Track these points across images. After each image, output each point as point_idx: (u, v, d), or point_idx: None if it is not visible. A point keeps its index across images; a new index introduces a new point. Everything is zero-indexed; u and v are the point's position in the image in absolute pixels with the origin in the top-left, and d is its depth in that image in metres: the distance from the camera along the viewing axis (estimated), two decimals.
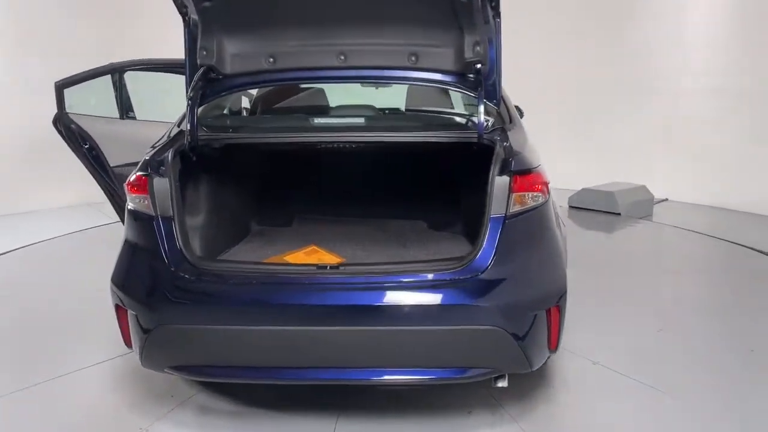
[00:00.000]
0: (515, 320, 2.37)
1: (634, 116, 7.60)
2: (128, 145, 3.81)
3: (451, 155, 3.50)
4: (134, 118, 4.29)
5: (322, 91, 3.97)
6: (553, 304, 2.45)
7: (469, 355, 2.42)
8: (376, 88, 3.92)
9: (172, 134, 2.90)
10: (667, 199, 7.34)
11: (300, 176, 3.77)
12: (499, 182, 2.46)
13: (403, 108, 3.74)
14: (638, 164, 7.48)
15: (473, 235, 3.31)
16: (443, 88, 3.13)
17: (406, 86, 3.71)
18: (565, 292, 2.50)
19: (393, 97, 3.98)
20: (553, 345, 2.52)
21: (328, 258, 3.08)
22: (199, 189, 3.13)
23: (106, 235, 5.76)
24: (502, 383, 2.53)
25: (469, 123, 3.01)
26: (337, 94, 4.11)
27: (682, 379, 3.04)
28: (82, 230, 6.26)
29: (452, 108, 3.50)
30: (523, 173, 2.48)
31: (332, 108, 3.59)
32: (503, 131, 2.77)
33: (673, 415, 2.73)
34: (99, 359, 3.29)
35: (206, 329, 2.42)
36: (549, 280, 2.49)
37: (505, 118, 2.91)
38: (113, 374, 3.16)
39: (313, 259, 3.03)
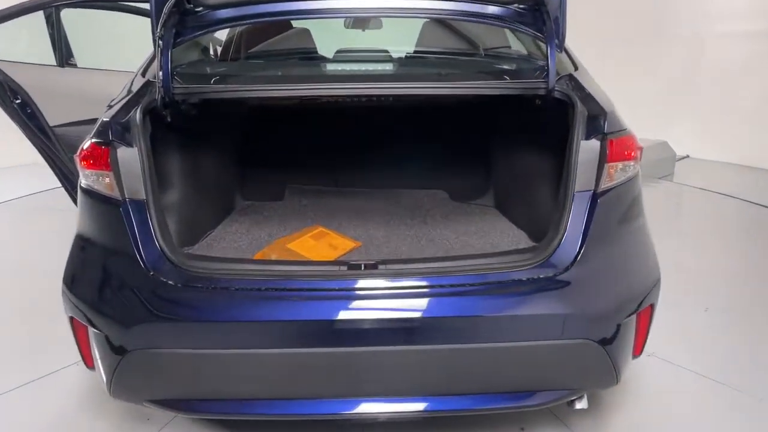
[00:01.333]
0: (607, 327, 1.84)
1: (654, 66, 6.81)
2: (72, 99, 3.10)
3: (483, 110, 2.89)
4: (75, 65, 3.47)
5: (307, 31, 3.23)
6: (649, 302, 1.93)
7: (545, 376, 1.89)
8: (363, 30, 3.23)
9: (134, 88, 2.18)
10: (688, 156, 6.73)
11: (293, 138, 3.10)
12: (588, 148, 1.88)
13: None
14: (658, 119, 6.66)
15: (510, 209, 2.76)
16: (486, 25, 2.49)
17: (414, 25, 3.05)
18: (659, 283, 1.99)
19: (390, 38, 3.30)
20: (639, 350, 2.01)
21: (342, 243, 2.47)
22: (172, 158, 2.45)
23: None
24: (581, 404, 2.01)
25: (529, 69, 2.38)
26: (320, 38, 3.39)
27: (752, 372, 2.61)
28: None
29: (479, 51, 2.86)
30: (618, 136, 1.91)
31: (337, 53, 2.89)
32: (572, 79, 2.18)
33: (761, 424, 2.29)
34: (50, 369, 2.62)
35: (201, 354, 1.79)
36: (644, 273, 1.96)
37: (568, 64, 2.31)
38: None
39: (324, 247, 2.41)
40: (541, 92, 2.08)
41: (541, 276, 1.82)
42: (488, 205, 2.91)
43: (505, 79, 2.29)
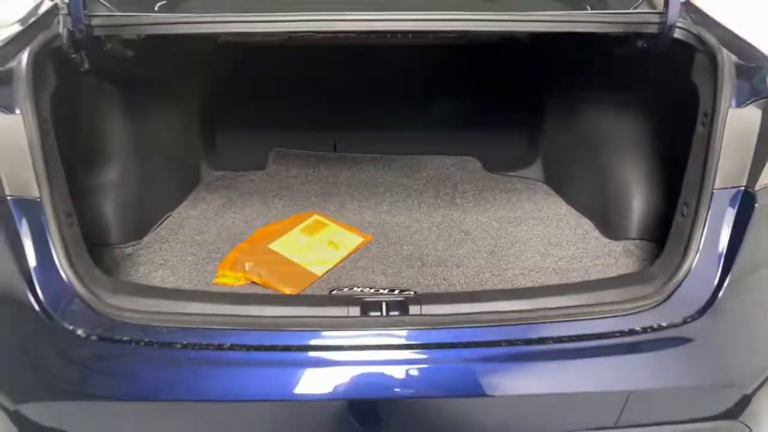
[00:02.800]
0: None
1: None
2: None
3: (534, 53, 2.17)
4: None
5: None
6: None
7: None
8: None
9: (28, 21, 1.46)
10: None
11: (277, 87, 2.36)
12: (737, 120, 1.19)
13: None
14: None
15: (567, 186, 2.08)
16: None
17: None
18: None
19: None
20: None
21: (345, 238, 1.79)
22: (104, 120, 1.74)
23: None
24: None
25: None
26: None
27: None
28: None
29: None
30: None
31: None
32: (695, 10, 1.47)
33: None
34: None
35: None
36: None
37: None
38: None
39: (321, 245, 1.74)
40: (652, 29, 1.37)
41: (661, 324, 1.16)
42: (534, 178, 2.22)
43: (587, 9, 1.56)
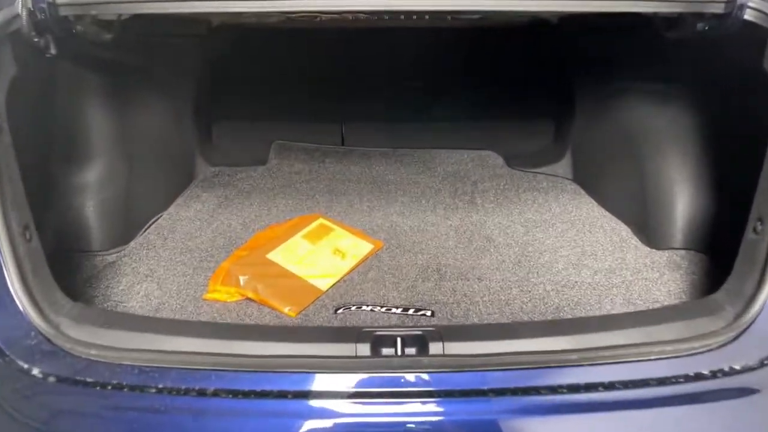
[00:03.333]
0: None
1: None
2: None
3: (563, 36, 1.96)
4: None
5: None
6: None
7: None
8: None
9: None
10: None
11: (279, 74, 2.15)
12: None
13: None
14: None
15: (601, 186, 1.87)
16: None
17: None
18: None
19: None
20: None
21: (353, 244, 1.60)
22: (84, 112, 1.55)
23: None
24: None
25: None
26: None
27: None
28: None
29: None
30: None
31: None
32: None
33: None
34: None
35: None
36: None
37: None
38: None
39: (326, 254, 1.54)
40: (718, 9, 1.15)
41: (734, 368, 0.96)
42: (561, 175, 2.02)
43: None
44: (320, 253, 1.56)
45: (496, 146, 2.13)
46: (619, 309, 1.35)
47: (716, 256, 1.49)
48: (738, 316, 0.98)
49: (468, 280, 1.47)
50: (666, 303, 1.38)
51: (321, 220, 1.69)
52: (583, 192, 1.89)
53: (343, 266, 1.52)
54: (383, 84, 2.10)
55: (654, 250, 1.57)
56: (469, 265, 1.54)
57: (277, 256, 1.52)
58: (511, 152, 2.10)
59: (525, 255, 1.57)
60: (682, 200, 1.56)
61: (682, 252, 1.54)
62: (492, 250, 1.60)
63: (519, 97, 2.06)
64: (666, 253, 1.55)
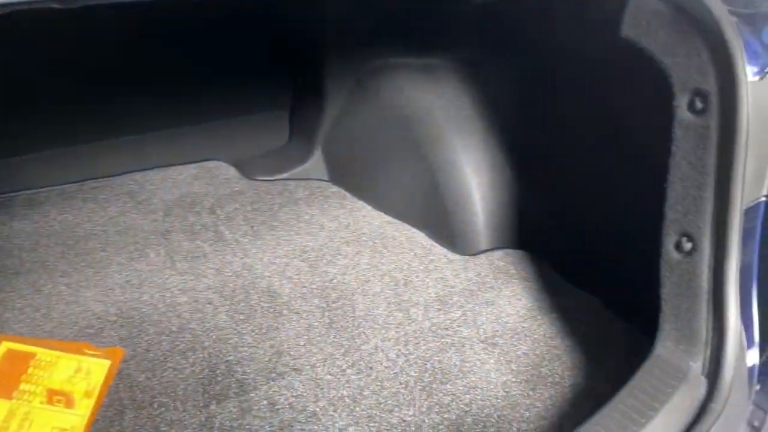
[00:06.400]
0: None
1: None
2: None
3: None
4: None
5: None
6: None
7: None
8: None
9: None
10: None
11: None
12: (764, 97, 0.80)
13: None
14: None
15: (369, 183, 1.55)
16: None
17: None
18: None
19: None
20: None
21: (80, 376, 0.98)
22: None
23: None
24: None
25: None
26: None
27: None
28: None
29: None
30: None
31: None
32: None
33: None
34: None
35: None
36: None
37: None
38: None
39: (46, 403, 0.90)
40: None
41: None
42: (315, 177, 1.63)
43: None
44: (26, 414, 0.90)
45: (221, 153, 1.62)
46: (495, 366, 1.06)
47: (539, 253, 1.32)
48: (712, 376, 0.76)
49: (283, 379, 1.01)
50: (524, 327, 1.14)
51: (6, 345, 1.01)
52: (349, 195, 1.55)
53: (75, 420, 0.91)
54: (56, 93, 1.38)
55: (467, 257, 1.33)
56: (269, 350, 1.07)
57: None
58: (242, 158, 1.63)
59: (330, 308, 1.18)
60: (480, 192, 1.34)
61: (498, 253, 1.34)
62: (285, 311, 1.16)
63: (241, 90, 1.57)
64: (483, 258, 1.32)
